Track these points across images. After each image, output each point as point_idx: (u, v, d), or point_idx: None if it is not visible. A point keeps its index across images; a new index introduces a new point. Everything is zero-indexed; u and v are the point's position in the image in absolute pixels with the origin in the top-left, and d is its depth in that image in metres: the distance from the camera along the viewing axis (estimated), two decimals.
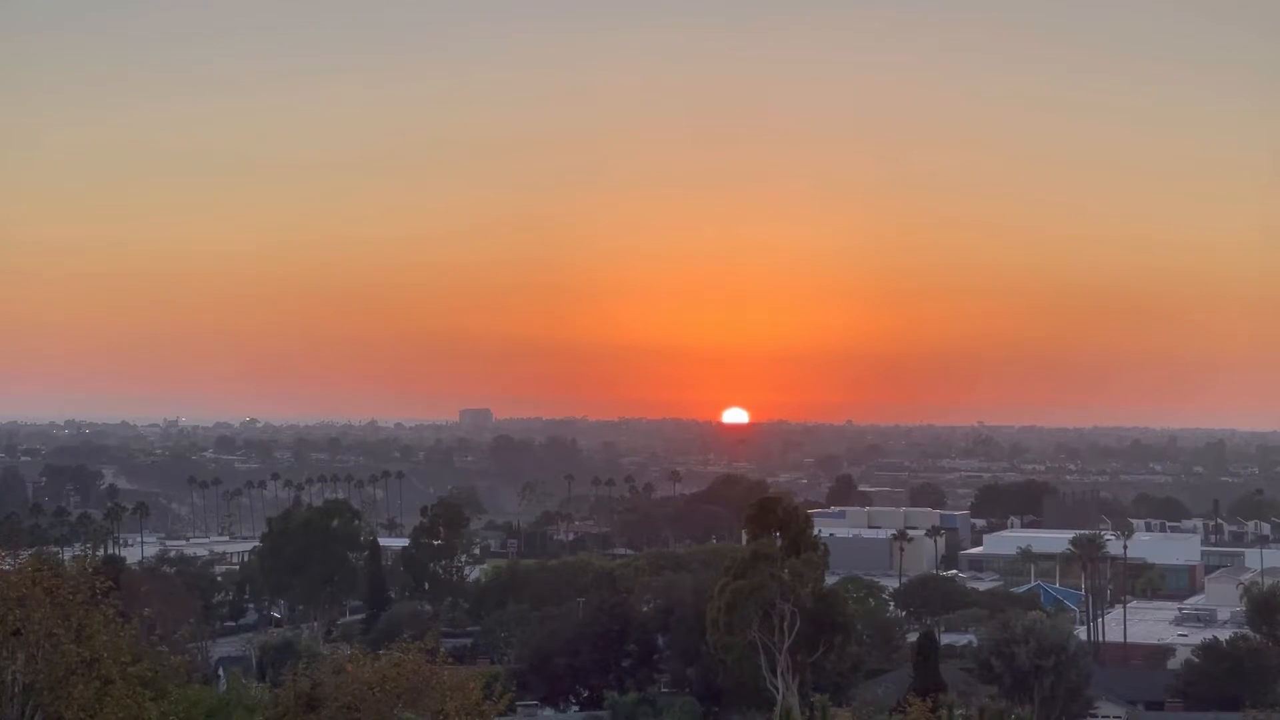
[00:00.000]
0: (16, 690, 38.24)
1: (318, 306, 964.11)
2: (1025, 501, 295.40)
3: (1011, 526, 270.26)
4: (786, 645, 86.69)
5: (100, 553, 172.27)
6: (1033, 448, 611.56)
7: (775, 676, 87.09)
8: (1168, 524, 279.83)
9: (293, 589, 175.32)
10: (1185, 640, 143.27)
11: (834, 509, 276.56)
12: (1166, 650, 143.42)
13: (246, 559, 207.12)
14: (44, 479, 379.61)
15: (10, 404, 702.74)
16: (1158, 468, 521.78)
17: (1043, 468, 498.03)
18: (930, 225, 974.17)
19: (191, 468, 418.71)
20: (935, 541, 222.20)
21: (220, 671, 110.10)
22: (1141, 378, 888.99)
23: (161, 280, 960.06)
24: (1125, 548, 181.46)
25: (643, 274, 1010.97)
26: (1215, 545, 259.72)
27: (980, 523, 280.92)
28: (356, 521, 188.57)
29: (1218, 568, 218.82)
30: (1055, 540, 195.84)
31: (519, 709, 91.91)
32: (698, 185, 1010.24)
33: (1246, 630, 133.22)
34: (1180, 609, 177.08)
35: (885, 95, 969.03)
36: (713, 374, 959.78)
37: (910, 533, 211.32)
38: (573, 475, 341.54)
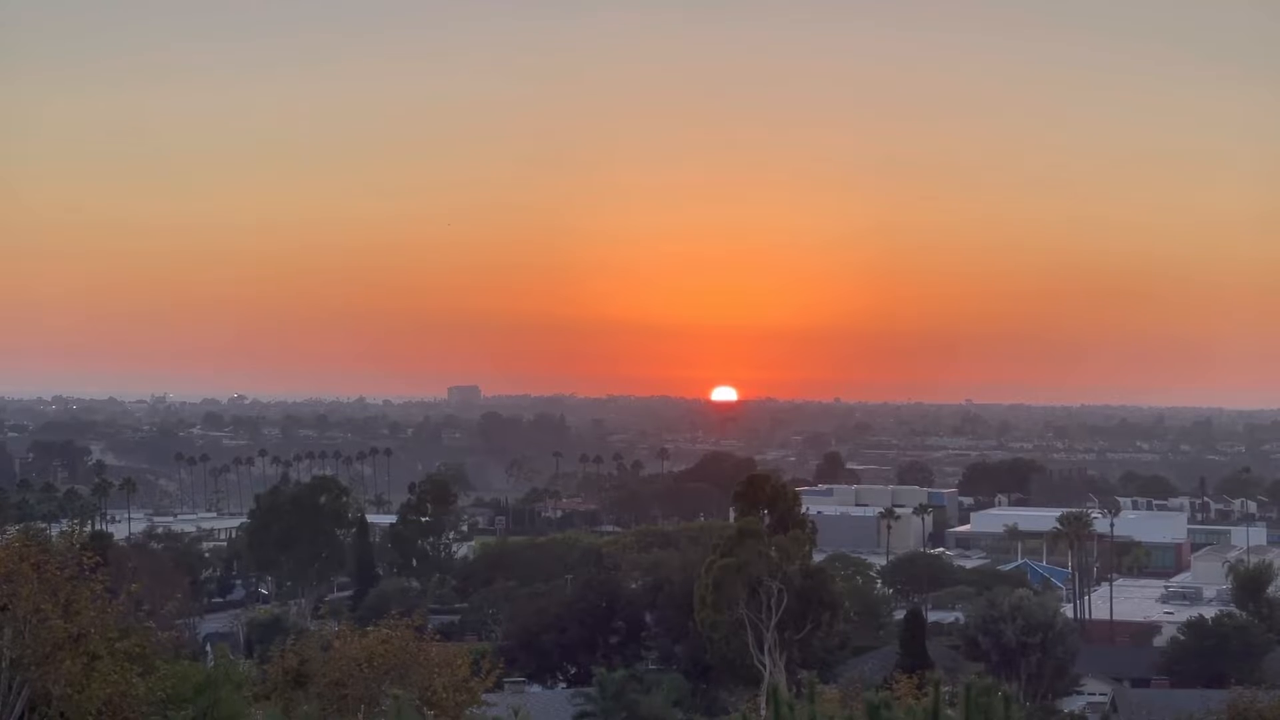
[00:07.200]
0: (4, 665, 38.21)
1: (306, 283, 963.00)
2: (1012, 479, 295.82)
3: (999, 504, 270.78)
4: (774, 622, 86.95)
5: (87, 528, 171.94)
6: (1020, 426, 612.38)
7: (762, 653, 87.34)
8: (1154, 502, 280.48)
9: (280, 565, 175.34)
10: (1171, 618, 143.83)
11: (822, 486, 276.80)
12: (1152, 628, 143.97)
13: (234, 535, 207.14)
14: (31, 455, 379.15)
15: None
16: (1145, 446, 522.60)
17: (1030, 446, 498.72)
18: (919, 204, 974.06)
19: (179, 444, 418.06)
20: (923, 519, 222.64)
21: (208, 647, 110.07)
22: (1129, 356, 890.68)
23: (149, 256, 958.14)
24: (1112, 525, 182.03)
25: (632, 252, 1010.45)
26: (1202, 523, 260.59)
27: (968, 500, 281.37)
28: (344, 498, 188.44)
29: (1204, 545, 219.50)
30: (1042, 518, 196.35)
31: (506, 685, 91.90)
32: (686, 165, 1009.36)
33: (1232, 608, 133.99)
34: (1166, 586, 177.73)
35: (872, 77, 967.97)
36: (701, 351, 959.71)
37: (898, 510, 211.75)
38: (561, 452, 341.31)
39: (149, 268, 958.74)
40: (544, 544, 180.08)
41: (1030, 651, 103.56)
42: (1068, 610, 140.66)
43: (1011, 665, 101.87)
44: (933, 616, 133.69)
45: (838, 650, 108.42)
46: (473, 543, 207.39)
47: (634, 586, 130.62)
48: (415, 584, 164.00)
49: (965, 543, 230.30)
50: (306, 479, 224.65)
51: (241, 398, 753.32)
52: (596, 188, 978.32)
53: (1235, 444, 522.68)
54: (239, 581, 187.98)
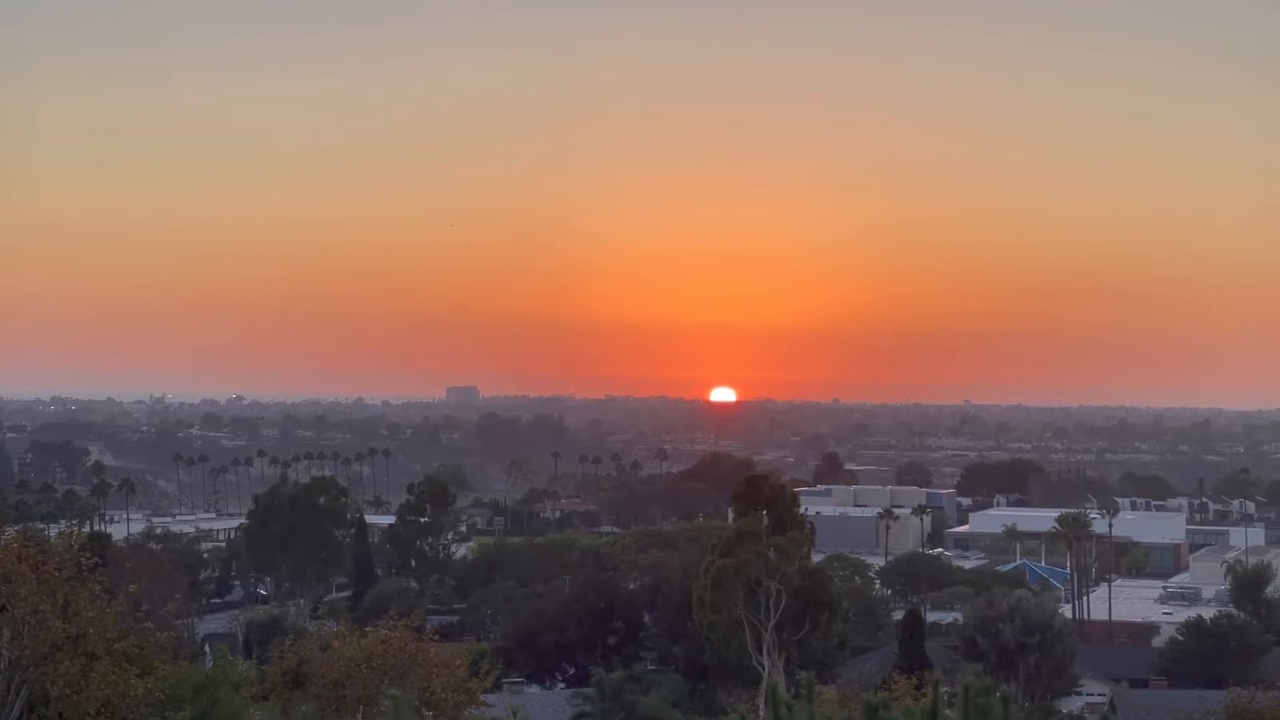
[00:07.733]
0: (2, 666, 38.23)
1: (305, 283, 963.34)
2: (1011, 480, 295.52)
3: (997, 505, 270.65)
4: (772, 623, 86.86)
5: (86, 529, 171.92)
6: (1019, 426, 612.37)
7: (761, 654, 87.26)
8: (1153, 502, 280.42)
9: (279, 566, 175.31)
10: (1170, 618, 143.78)
11: (820, 487, 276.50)
12: (1151, 628, 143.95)
13: (233, 536, 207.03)
14: (30, 455, 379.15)
15: None
16: (1144, 446, 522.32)
17: (1029, 446, 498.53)
18: (919, 204, 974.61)
19: (177, 444, 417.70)
20: (921, 520, 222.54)
21: (206, 648, 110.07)
22: (1128, 357, 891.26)
23: (148, 256, 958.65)
24: (1110, 526, 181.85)
25: (631, 252, 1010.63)
26: (1200, 524, 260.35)
27: (966, 501, 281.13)
28: (343, 499, 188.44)
29: (1202, 546, 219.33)
30: (1041, 519, 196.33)
31: (505, 686, 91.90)
32: (685, 165, 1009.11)
33: (1231, 608, 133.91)
34: (1165, 587, 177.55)
35: (872, 77, 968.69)
36: (700, 352, 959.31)
37: (896, 511, 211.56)
38: (559, 453, 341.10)
39: (149, 268, 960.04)
40: (542, 544, 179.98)
41: (1029, 652, 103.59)
42: (1066, 611, 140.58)
43: (1010, 666, 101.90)
44: (931, 617, 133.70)
45: (836, 651, 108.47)
46: (471, 543, 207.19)
47: (633, 587, 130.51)
48: (414, 584, 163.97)
49: (964, 543, 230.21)
50: (305, 480, 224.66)
51: (240, 398, 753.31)
52: (596, 188, 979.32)
53: (1234, 444, 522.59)
54: (238, 582, 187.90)
